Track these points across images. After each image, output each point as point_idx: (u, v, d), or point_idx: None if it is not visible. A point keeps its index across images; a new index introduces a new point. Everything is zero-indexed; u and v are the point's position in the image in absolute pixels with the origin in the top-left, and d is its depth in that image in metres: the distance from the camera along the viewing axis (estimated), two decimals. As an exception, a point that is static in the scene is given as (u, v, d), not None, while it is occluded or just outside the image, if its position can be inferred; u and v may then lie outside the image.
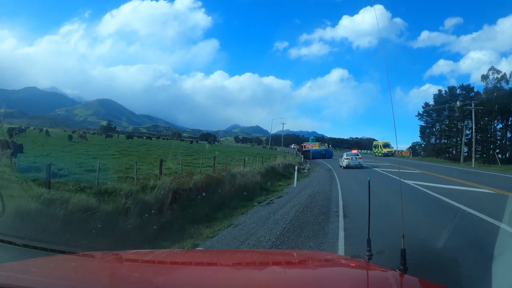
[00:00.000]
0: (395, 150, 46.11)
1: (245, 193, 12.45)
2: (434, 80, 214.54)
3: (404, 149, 55.74)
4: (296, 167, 16.88)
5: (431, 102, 60.19)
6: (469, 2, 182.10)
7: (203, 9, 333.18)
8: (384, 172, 20.13)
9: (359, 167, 24.55)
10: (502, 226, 5.55)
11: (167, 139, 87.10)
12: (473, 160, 27.71)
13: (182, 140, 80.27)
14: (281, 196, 11.67)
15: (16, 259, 2.27)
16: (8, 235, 3.67)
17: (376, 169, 23.11)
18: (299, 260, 2.27)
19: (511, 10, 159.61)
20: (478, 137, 51.99)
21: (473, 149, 32.22)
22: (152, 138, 77.65)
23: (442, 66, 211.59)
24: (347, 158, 25.35)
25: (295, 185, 14.65)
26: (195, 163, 17.94)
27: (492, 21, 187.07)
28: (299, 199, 10.34)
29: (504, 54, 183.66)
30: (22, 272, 1.53)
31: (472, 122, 33.85)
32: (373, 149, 53.09)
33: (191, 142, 72.28)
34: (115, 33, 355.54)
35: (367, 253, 1.82)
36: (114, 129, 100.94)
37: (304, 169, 24.81)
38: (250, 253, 3.51)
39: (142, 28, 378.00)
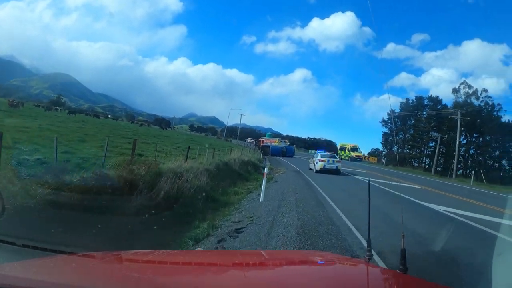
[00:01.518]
0: (363, 155, 43.26)
1: (177, 210, 6.91)
2: (394, 91, 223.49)
3: (365, 154, 53.50)
4: (265, 171, 11.33)
5: (396, 110, 59.70)
6: (439, 21, 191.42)
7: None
8: (374, 184, 15.56)
9: (334, 172, 19.83)
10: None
11: (117, 119, 79.64)
12: (472, 177, 24.38)
13: (133, 123, 74.08)
14: (242, 228, 6.00)
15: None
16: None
17: (357, 177, 18.59)
18: (299, 260, 2.13)
19: (477, 34, 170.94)
20: (443, 151, 51.62)
21: (454, 162, 29.40)
22: (101, 117, 69.39)
23: (403, 78, 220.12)
24: (322, 160, 20.26)
25: (262, 199, 9.13)
26: (125, 148, 13.90)
27: (458, 42, 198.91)
28: (283, 242, 4.87)
29: (464, 75, 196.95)
30: (22, 272, 1.43)
31: (457, 134, 30.84)
32: (340, 151, 49.64)
33: (141, 125, 65.78)
34: (83, 6, 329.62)
35: (367, 253, 1.75)
36: (63, 104, 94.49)
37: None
38: (250, 253, 3.17)
39: (111, 5, 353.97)
